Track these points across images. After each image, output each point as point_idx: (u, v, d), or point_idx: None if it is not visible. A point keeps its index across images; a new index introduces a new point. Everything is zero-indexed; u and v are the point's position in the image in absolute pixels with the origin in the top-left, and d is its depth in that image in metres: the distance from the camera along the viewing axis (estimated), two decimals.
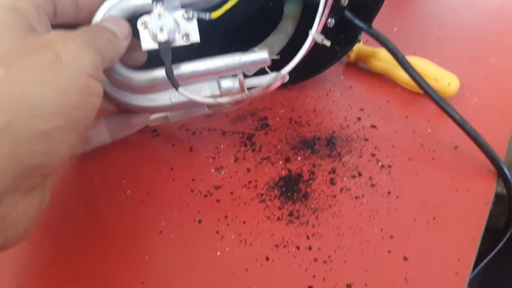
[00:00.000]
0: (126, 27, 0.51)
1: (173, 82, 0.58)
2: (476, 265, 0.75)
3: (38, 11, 0.40)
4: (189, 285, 0.59)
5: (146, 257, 0.62)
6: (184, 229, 0.65)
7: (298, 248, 0.64)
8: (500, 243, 0.79)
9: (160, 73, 0.60)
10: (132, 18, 0.55)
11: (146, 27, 0.55)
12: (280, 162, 0.74)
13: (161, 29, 0.54)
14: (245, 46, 0.66)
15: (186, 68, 0.61)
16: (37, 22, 0.39)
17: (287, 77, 0.63)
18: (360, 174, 0.73)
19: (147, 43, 0.56)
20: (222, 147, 0.75)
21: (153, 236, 0.64)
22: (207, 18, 0.58)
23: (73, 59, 0.37)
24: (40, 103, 0.33)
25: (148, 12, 0.55)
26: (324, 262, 0.63)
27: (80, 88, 0.38)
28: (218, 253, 0.63)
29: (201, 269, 0.61)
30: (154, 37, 0.55)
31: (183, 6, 0.57)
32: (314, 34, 0.61)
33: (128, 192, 0.68)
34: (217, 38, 0.72)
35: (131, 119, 0.66)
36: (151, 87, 0.62)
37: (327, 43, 0.62)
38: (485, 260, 0.82)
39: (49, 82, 0.35)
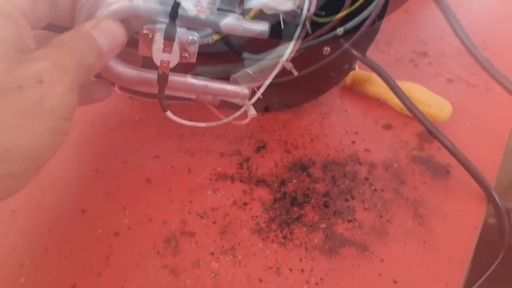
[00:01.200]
0: (120, 39, 0.48)
1: (162, 106, 0.61)
2: (473, 283, 0.77)
3: (25, 14, 0.38)
4: None
5: (143, 277, 0.64)
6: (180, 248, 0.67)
7: (291, 270, 0.66)
8: (494, 264, 0.80)
9: (152, 77, 0.61)
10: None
11: (151, 38, 0.54)
12: (276, 185, 0.76)
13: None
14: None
15: (176, 80, 0.63)
16: (27, 32, 0.37)
17: (254, 113, 0.68)
18: (353, 198, 0.75)
19: (145, 51, 0.56)
20: (219, 169, 0.78)
21: (152, 256, 0.66)
22: (210, 41, 0.60)
23: (57, 105, 0.36)
24: (13, 149, 0.33)
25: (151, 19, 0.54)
26: (316, 284, 0.64)
27: (55, 132, 0.37)
28: (213, 274, 0.65)
29: None
30: (156, 52, 0.55)
31: (189, 28, 0.58)
32: (283, 61, 0.64)
33: (127, 213, 0.70)
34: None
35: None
36: (139, 83, 0.62)
37: (295, 72, 0.65)
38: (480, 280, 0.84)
39: (26, 128, 0.34)
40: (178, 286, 0.63)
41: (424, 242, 0.69)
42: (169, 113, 0.62)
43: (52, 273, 0.64)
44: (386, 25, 1.00)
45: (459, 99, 0.90)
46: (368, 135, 0.85)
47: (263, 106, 0.87)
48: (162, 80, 0.59)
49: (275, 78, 0.66)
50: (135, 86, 0.63)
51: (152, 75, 0.61)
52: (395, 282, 0.65)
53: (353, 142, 0.83)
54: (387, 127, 0.86)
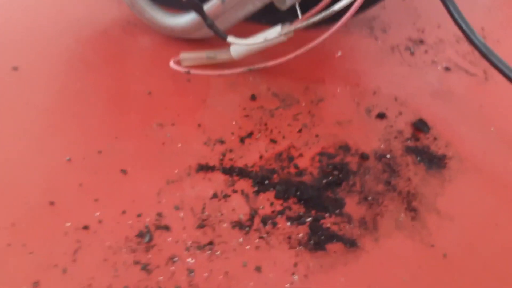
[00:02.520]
0: None
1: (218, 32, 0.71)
2: None
3: None
4: None
5: (113, 274, 0.59)
6: None
7: (272, 266, 0.61)
8: None
9: None
10: None
11: None
12: (260, 177, 0.71)
13: None
14: None
15: None
16: None
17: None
18: (342, 190, 0.70)
19: None
20: (200, 159, 0.73)
21: (124, 251, 0.61)
22: None
23: None
24: None
25: None
26: (300, 281, 0.60)
27: None
28: (188, 270, 0.60)
29: None
30: None
31: None
32: None
33: (99, 205, 0.66)
34: None
35: None
36: None
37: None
38: None
39: None
40: (150, 284, 0.58)
41: (417, 237, 0.64)
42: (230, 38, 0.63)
43: (14, 269, 0.59)
44: (381, 11, 0.95)
45: (457, 88, 0.85)
46: (361, 124, 0.80)
47: (249, 94, 0.82)
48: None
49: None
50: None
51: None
52: (385, 280, 0.59)
53: (344, 132, 0.78)
54: (381, 116, 0.81)
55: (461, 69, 0.89)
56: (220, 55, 0.79)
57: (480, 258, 0.65)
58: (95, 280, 0.59)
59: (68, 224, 0.64)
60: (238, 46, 0.75)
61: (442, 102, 0.85)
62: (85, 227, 0.64)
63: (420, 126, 0.79)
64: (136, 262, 0.61)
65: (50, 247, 0.62)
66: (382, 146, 0.75)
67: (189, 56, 0.81)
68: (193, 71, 0.78)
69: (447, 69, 0.89)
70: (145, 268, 0.61)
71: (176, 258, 0.62)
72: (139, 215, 0.66)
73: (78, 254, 0.61)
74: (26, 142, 0.69)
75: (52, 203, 0.66)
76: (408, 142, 0.77)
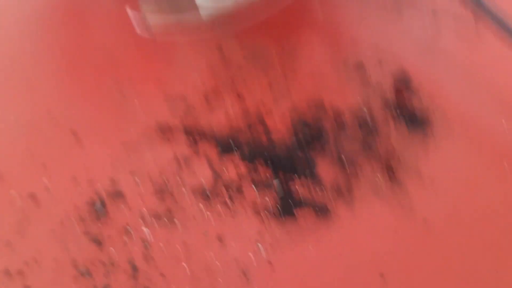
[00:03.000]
0: None
1: None
2: None
3: None
4: None
5: (61, 247, 0.54)
6: None
7: (236, 236, 0.56)
8: None
9: None
10: None
11: None
12: (225, 138, 0.65)
13: None
14: None
15: None
16: None
17: None
18: (313, 150, 0.64)
19: None
20: (159, 118, 0.66)
21: (73, 221, 0.56)
22: None
23: None
24: None
25: None
26: (265, 251, 0.55)
27: None
28: (143, 241, 0.55)
29: None
30: None
31: None
32: None
33: (47, 171, 0.60)
34: None
35: None
36: None
37: None
38: None
39: None
40: (100, 256, 0.54)
41: (395, 201, 0.59)
42: None
43: None
44: None
45: (445, 36, 0.78)
46: (337, 77, 0.73)
47: (215, 46, 0.74)
48: None
49: None
50: None
51: None
52: (360, 249, 0.55)
53: (318, 86, 0.71)
54: (359, 66, 0.74)
55: (449, 14, 0.81)
56: (187, 15, 0.71)
57: (463, 222, 0.60)
58: (41, 253, 0.54)
59: (12, 191, 0.59)
60: (207, 5, 0.67)
61: (428, 51, 0.77)
62: (31, 196, 0.58)
63: (403, 78, 0.72)
64: (86, 233, 0.56)
65: None
66: (359, 100, 0.69)
67: (152, 13, 0.72)
68: (152, 23, 0.70)
69: (434, 11, 0.81)
70: (96, 239, 0.56)
71: (130, 228, 0.56)
72: (90, 181, 0.60)
73: (23, 225, 0.56)
74: None
75: None
76: (389, 96, 0.70)
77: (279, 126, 0.67)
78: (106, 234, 0.56)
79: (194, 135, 0.65)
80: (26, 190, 0.59)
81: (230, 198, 0.60)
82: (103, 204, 0.58)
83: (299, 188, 0.61)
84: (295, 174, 0.62)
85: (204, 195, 0.60)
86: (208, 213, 0.59)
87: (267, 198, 0.60)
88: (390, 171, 0.63)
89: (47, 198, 0.59)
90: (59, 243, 0.55)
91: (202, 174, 0.62)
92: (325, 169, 0.63)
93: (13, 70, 0.71)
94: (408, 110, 0.69)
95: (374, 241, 0.57)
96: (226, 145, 0.64)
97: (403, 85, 0.72)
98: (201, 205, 0.59)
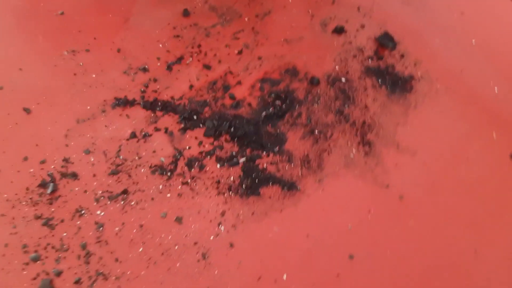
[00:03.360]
0: None
1: None
2: None
3: None
4: None
5: (11, 231, 0.51)
6: None
7: (196, 216, 0.53)
8: None
9: None
10: None
11: None
12: (188, 111, 0.60)
13: None
14: None
15: None
16: None
17: None
18: (284, 123, 0.59)
19: None
20: (117, 91, 0.62)
21: (24, 204, 0.53)
22: None
23: None
24: None
25: None
26: (227, 232, 0.52)
27: None
28: (97, 224, 0.52)
29: None
30: None
31: None
32: None
33: None
34: None
35: None
36: None
37: None
38: None
39: None
40: (52, 241, 0.51)
41: (369, 176, 0.55)
42: None
43: None
44: None
45: None
46: (313, 42, 0.67)
47: (181, 9, 0.68)
48: None
49: None
50: None
51: None
52: (327, 228, 0.51)
53: (293, 52, 0.66)
54: (339, 30, 0.68)
55: None
56: None
57: (442, 200, 0.56)
58: None
59: None
60: None
61: (414, 9, 0.71)
62: None
63: (385, 41, 0.66)
64: (38, 217, 0.53)
65: None
66: (337, 68, 0.63)
67: None
68: None
69: None
70: (47, 223, 0.53)
71: (84, 211, 0.53)
72: (42, 162, 0.56)
73: None
74: None
75: None
76: (370, 61, 0.64)
77: (248, 98, 0.62)
78: (58, 218, 0.53)
79: (155, 109, 0.61)
80: None
81: (192, 177, 0.56)
82: (55, 186, 0.55)
83: (267, 165, 0.57)
84: (263, 151, 0.58)
85: (164, 174, 0.56)
86: (168, 194, 0.55)
87: (232, 178, 0.56)
88: (367, 144, 0.59)
89: None
90: (9, 228, 0.52)
91: (163, 152, 0.58)
92: (296, 144, 0.59)
93: None
94: (390, 77, 0.64)
95: (344, 220, 0.53)
96: (189, 120, 0.60)
97: (386, 51, 0.66)
98: (160, 186, 0.55)
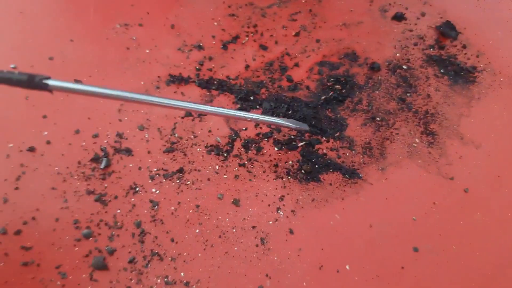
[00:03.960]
0: None
1: None
2: None
3: None
4: None
5: (62, 205, 0.49)
6: None
7: (253, 200, 0.51)
8: None
9: None
10: None
11: None
12: (244, 91, 0.58)
13: None
14: None
15: None
16: None
17: None
18: (345, 109, 0.57)
19: None
20: (172, 68, 0.60)
21: (75, 178, 0.51)
22: None
23: None
24: None
25: None
26: (286, 217, 0.50)
27: None
28: (152, 203, 0.50)
29: None
30: None
31: None
32: None
33: (48, 123, 0.55)
34: None
35: None
36: None
37: None
38: None
39: None
40: (105, 217, 0.49)
41: (433, 167, 0.53)
42: None
43: None
44: None
45: None
46: (373, 27, 0.65)
47: None
48: None
49: None
50: None
51: None
52: (391, 218, 0.49)
53: (352, 36, 0.64)
54: (399, 17, 0.66)
55: None
56: None
57: (509, 193, 0.53)
58: (40, 211, 0.50)
59: (11, 145, 0.54)
60: None
61: (475, 0, 0.69)
62: (31, 149, 0.54)
63: (447, 31, 0.64)
64: (90, 192, 0.51)
65: None
66: (397, 55, 0.61)
67: None
68: None
69: None
70: (100, 199, 0.51)
71: (138, 188, 0.51)
72: (95, 136, 0.55)
73: (22, 180, 0.52)
74: None
75: None
76: (431, 50, 0.62)
77: (306, 81, 0.60)
78: (111, 194, 0.51)
79: (210, 88, 0.59)
80: (26, 143, 0.54)
81: (249, 159, 0.54)
82: (108, 161, 0.53)
83: (327, 151, 0.55)
84: (323, 136, 0.56)
85: (220, 155, 0.54)
86: (225, 175, 0.53)
87: (290, 162, 0.54)
88: (430, 134, 0.57)
89: (48, 152, 0.54)
90: (60, 202, 0.50)
91: (219, 132, 0.56)
92: (357, 130, 0.57)
93: (10, 10, 0.65)
94: (453, 68, 0.62)
95: (409, 211, 0.51)
96: (245, 101, 0.58)
97: (448, 40, 0.64)
98: (216, 166, 0.53)
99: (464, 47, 0.65)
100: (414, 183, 0.54)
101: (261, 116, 0.50)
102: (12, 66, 0.60)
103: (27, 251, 0.48)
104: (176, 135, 0.56)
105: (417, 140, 0.57)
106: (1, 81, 0.42)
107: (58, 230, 0.49)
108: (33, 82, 0.43)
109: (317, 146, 0.56)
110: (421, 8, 0.68)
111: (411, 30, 0.65)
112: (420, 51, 0.64)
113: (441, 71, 0.62)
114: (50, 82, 0.44)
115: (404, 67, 0.62)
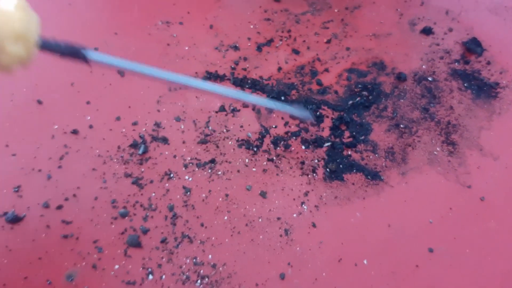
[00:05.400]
0: None
1: None
2: None
3: None
4: None
5: (101, 186, 0.54)
6: None
7: (280, 193, 0.55)
8: None
9: None
10: None
11: None
12: (275, 91, 0.63)
13: None
14: None
15: None
16: None
17: None
18: (370, 114, 0.61)
19: None
20: (209, 66, 0.65)
21: (115, 161, 0.56)
22: None
23: None
24: None
25: None
26: (310, 212, 0.54)
27: None
28: (185, 189, 0.54)
29: None
30: None
31: None
32: None
33: (91, 108, 0.60)
34: None
35: None
36: None
37: None
38: None
39: None
40: (141, 199, 0.54)
41: (452, 175, 0.56)
42: None
43: None
44: None
45: None
46: (401, 39, 0.69)
47: None
48: None
49: None
50: None
51: None
52: (409, 219, 0.53)
53: (381, 46, 0.68)
54: (427, 31, 0.70)
55: None
56: None
57: None
58: (81, 190, 0.54)
59: (56, 127, 0.59)
60: None
61: (502, 20, 0.73)
62: (74, 132, 0.58)
63: (473, 47, 0.68)
64: (128, 175, 0.56)
65: (35, 150, 0.57)
66: (424, 67, 0.65)
67: None
68: None
69: None
70: (137, 182, 0.55)
71: (172, 175, 0.56)
72: (134, 123, 0.59)
73: (65, 160, 0.56)
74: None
75: (39, 102, 0.60)
76: (456, 64, 0.66)
77: (335, 86, 0.64)
78: (147, 178, 0.56)
79: (244, 87, 0.64)
80: (70, 126, 0.59)
81: (277, 155, 0.58)
82: (146, 148, 0.58)
83: (352, 152, 0.59)
84: (349, 138, 0.60)
85: (250, 149, 0.58)
86: (254, 168, 0.57)
87: (316, 160, 0.58)
88: (451, 144, 0.60)
89: (90, 135, 0.58)
90: (99, 182, 0.55)
91: (250, 128, 0.60)
92: (381, 136, 0.61)
93: (60, 1, 0.71)
94: (476, 82, 0.66)
95: (426, 214, 0.55)
96: (276, 100, 0.62)
97: (473, 56, 0.68)
98: (246, 160, 0.58)
99: (488, 63, 0.68)
100: (433, 188, 0.57)
101: (261, 99, 0.55)
102: None
103: (68, 225, 0.53)
104: (210, 128, 0.60)
105: (438, 149, 0.61)
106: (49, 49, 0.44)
107: (96, 208, 0.54)
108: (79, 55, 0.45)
109: (343, 148, 0.60)
110: (449, 24, 0.72)
111: (438, 44, 0.69)
112: (445, 65, 0.68)
113: (465, 85, 0.66)
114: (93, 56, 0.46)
115: (430, 78, 0.66)
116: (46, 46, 0.44)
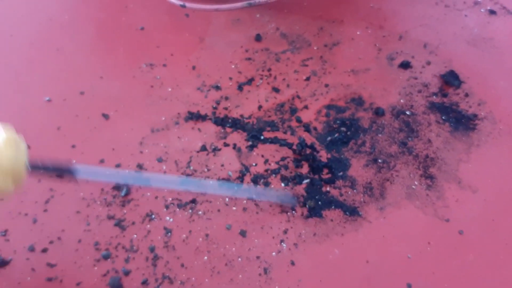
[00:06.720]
0: None
1: None
2: None
3: None
4: None
5: (84, 228, 0.56)
6: None
7: (259, 231, 0.57)
8: None
9: None
10: None
11: None
12: (255, 130, 0.65)
13: None
14: None
15: None
16: None
17: None
18: (348, 150, 0.63)
19: None
20: (190, 106, 0.67)
21: (98, 204, 0.58)
22: None
23: None
24: None
25: None
26: (289, 250, 0.55)
27: None
28: (166, 230, 0.56)
29: None
30: None
31: None
32: None
33: (76, 152, 0.62)
34: None
35: None
36: None
37: None
38: None
39: None
40: (123, 241, 0.56)
41: (430, 209, 0.58)
42: None
43: None
44: None
45: (500, 35, 0.75)
46: (380, 74, 0.72)
47: (253, 34, 0.74)
48: None
49: None
50: None
51: None
52: (387, 255, 0.54)
53: (359, 82, 0.71)
54: (405, 65, 0.72)
55: (509, 13, 0.78)
56: None
57: (503, 237, 0.58)
58: (65, 232, 0.57)
59: (42, 170, 0.61)
60: None
61: (480, 51, 0.75)
62: (59, 175, 0.61)
63: (450, 80, 0.70)
64: (110, 217, 0.58)
65: (22, 194, 0.59)
66: (402, 101, 0.67)
67: None
68: (189, 5, 0.71)
69: (492, 12, 0.78)
70: (119, 224, 0.57)
71: (154, 216, 0.58)
72: (117, 165, 0.62)
73: (50, 203, 0.59)
74: (4, 78, 0.65)
75: (27, 147, 0.63)
76: (434, 97, 0.68)
77: (314, 123, 0.67)
78: (129, 220, 0.58)
79: (225, 126, 0.66)
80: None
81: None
82: (128, 190, 0.60)
83: (330, 188, 0.61)
84: (327, 174, 0.62)
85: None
86: (234, 207, 0.59)
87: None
88: (429, 177, 0.62)
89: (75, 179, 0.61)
90: (83, 225, 0.57)
91: (230, 166, 0.62)
92: (359, 171, 0.62)
93: (46, 43, 0.74)
94: (454, 115, 0.68)
95: (404, 249, 0.56)
96: (256, 139, 0.65)
97: (451, 89, 0.70)
98: (226, 199, 0.60)
99: (466, 95, 0.70)
100: (411, 223, 0.59)
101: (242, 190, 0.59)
102: (46, 98, 0.69)
103: (52, 267, 0.55)
104: (191, 168, 0.63)
105: (416, 183, 0.62)
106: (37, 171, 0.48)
107: (80, 250, 0.56)
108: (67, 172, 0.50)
109: (321, 184, 0.62)
110: (427, 57, 0.74)
111: (416, 78, 0.71)
112: (423, 98, 0.70)
113: (443, 117, 0.68)
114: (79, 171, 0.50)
115: (408, 112, 0.68)
116: (35, 169, 0.47)
